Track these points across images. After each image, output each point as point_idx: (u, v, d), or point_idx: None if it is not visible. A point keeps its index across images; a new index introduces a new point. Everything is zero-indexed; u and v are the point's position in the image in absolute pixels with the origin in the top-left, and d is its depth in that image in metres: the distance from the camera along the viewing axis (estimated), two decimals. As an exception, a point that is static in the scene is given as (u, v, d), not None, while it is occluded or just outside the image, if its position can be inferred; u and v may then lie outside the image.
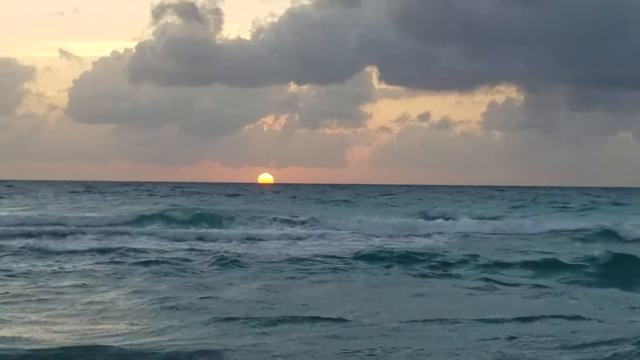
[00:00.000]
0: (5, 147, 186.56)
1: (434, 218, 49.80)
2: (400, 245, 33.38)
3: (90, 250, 28.79)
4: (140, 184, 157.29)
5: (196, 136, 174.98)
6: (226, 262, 24.49)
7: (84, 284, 19.73)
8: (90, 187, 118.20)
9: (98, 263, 24.94)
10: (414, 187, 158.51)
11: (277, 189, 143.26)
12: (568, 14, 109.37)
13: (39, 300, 17.06)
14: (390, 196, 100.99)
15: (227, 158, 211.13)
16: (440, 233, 41.14)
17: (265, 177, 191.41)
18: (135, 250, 28.91)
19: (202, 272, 22.77)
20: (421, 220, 48.58)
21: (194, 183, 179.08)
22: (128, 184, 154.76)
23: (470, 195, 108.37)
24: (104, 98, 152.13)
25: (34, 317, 14.92)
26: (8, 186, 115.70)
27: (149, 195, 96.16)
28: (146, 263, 24.43)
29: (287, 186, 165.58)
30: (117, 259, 25.91)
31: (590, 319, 14.58)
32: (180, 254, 27.67)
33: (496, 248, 32.18)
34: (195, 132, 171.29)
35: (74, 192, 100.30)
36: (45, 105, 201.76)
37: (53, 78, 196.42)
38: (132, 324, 14.18)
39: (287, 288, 19.21)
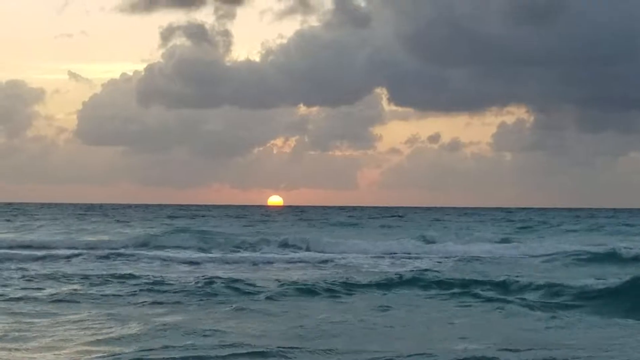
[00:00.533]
0: (15, 169, 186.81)
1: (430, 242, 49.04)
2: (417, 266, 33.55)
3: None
4: (147, 206, 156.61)
5: (205, 158, 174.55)
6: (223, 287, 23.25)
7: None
8: (91, 209, 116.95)
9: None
10: (422, 210, 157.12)
11: (285, 211, 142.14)
12: (577, 34, 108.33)
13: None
14: (396, 218, 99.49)
15: (237, 180, 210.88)
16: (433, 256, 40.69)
17: (275, 200, 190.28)
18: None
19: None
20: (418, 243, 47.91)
21: (202, 206, 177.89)
22: (136, 206, 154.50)
23: (480, 216, 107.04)
24: (113, 120, 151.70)
25: None
26: (15, 209, 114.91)
27: (154, 217, 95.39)
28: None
29: (295, 208, 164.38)
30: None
31: None
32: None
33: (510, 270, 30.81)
34: (205, 155, 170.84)
35: (80, 214, 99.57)
36: (54, 128, 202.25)
37: (62, 100, 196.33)
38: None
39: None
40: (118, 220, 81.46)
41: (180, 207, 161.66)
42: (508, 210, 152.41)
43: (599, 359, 13.41)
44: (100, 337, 14.83)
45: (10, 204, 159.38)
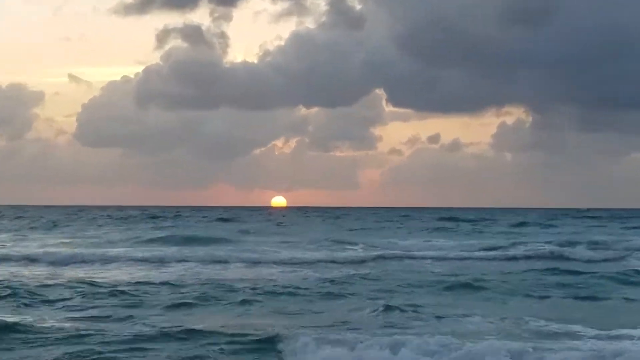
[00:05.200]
0: (15, 171, 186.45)
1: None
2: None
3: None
4: (144, 208, 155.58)
5: (206, 160, 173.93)
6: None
7: None
8: (82, 211, 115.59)
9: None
10: (425, 210, 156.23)
11: (284, 213, 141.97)
12: (575, 34, 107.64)
13: None
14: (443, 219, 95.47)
15: (239, 181, 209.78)
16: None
17: (279, 201, 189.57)
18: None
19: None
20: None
21: (204, 207, 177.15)
22: (136, 208, 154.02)
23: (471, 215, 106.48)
24: (112, 122, 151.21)
25: None
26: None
27: (150, 218, 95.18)
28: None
29: (302, 210, 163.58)
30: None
31: None
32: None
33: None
34: (206, 156, 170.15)
35: (73, 214, 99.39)
36: (54, 130, 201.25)
37: (62, 103, 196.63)
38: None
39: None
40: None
41: (192, 208, 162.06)
42: (508, 210, 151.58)
43: None
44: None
45: (13, 206, 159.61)
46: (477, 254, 42.74)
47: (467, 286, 25.77)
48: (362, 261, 38.00)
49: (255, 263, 36.33)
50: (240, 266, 34.97)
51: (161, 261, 36.55)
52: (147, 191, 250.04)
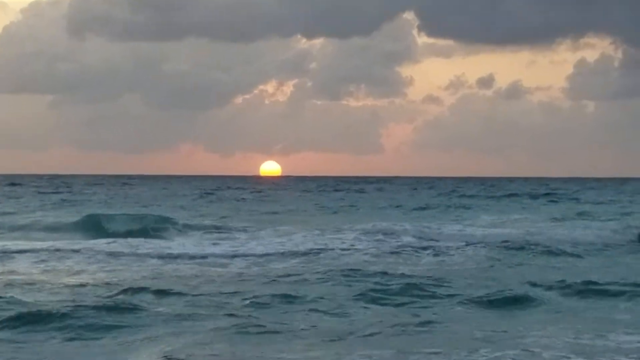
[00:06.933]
0: None
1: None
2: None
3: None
4: (77, 177, 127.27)
5: (168, 111, 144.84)
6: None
7: None
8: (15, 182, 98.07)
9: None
10: (473, 180, 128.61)
11: (277, 184, 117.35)
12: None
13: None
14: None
15: (214, 141, 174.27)
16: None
17: (270, 168, 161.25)
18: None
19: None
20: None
21: (165, 176, 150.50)
22: (73, 177, 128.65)
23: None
24: (36, 58, 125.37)
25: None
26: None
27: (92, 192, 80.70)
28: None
29: (297, 180, 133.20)
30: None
31: None
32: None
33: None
34: (167, 105, 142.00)
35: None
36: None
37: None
38: None
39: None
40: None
41: (143, 176, 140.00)
42: (594, 181, 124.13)
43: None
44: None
45: None
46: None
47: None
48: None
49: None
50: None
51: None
52: (84, 154, 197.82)
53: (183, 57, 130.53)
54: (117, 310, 16.71)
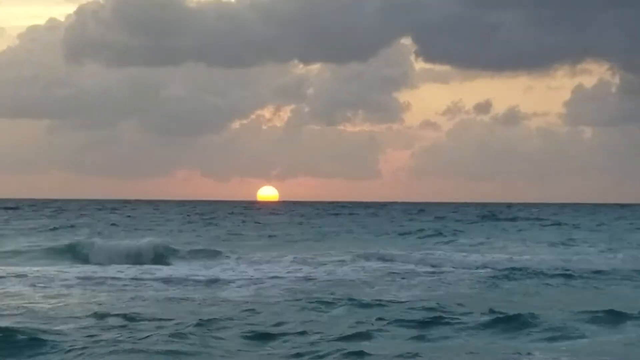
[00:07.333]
0: None
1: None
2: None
3: None
4: (76, 202, 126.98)
5: (164, 136, 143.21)
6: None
7: None
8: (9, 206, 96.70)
9: None
10: (470, 205, 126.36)
11: (275, 209, 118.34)
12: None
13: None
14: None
15: (211, 167, 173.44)
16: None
17: (267, 193, 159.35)
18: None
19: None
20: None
21: (160, 201, 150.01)
22: (69, 201, 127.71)
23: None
24: (33, 83, 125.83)
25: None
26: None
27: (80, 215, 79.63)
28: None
29: (296, 205, 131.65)
30: None
31: None
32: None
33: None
34: (164, 130, 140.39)
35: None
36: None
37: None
38: None
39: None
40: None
41: (140, 201, 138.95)
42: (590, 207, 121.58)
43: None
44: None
45: None
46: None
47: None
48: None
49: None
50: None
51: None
52: (80, 179, 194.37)
53: (180, 82, 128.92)
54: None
